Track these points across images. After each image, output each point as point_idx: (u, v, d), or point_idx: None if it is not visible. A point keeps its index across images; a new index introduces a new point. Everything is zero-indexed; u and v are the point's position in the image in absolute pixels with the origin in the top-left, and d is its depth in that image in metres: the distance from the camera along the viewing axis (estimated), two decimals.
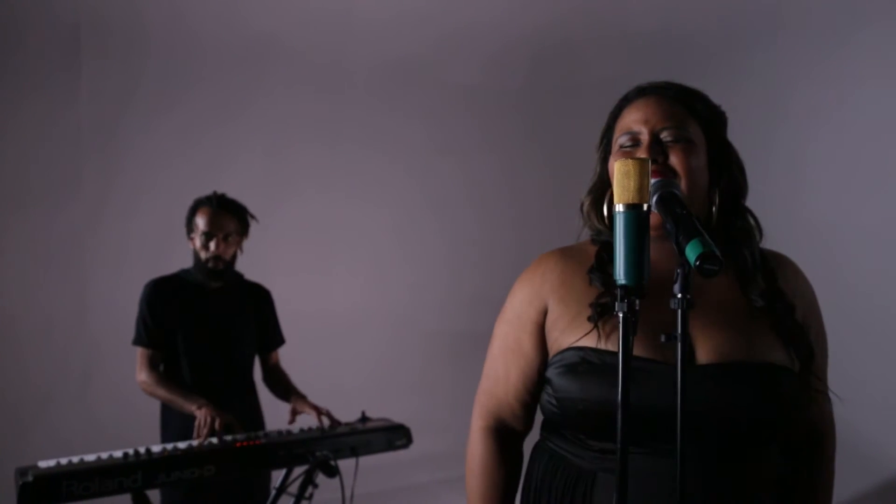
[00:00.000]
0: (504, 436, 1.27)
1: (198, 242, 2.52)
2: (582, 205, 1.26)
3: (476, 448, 1.27)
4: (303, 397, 2.60)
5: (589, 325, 1.11)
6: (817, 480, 1.23)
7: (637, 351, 1.06)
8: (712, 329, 1.05)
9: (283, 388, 2.70)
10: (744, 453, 1.08)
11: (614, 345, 1.06)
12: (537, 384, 1.22)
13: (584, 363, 1.09)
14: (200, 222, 2.51)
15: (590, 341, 1.10)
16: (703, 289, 1.08)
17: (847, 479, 3.25)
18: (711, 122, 1.18)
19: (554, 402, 1.14)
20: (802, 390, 1.12)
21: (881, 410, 3.42)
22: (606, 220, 1.21)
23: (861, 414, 3.57)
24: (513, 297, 1.24)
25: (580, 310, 1.14)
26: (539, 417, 1.27)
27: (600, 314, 1.10)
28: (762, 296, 1.12)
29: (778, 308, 1.11)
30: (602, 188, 1.23)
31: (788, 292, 1.15)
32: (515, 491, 1.27)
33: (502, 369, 1.24)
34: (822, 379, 1.21)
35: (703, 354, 1.06)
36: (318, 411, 2.47)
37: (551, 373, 1.14)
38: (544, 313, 1.18)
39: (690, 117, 1.15)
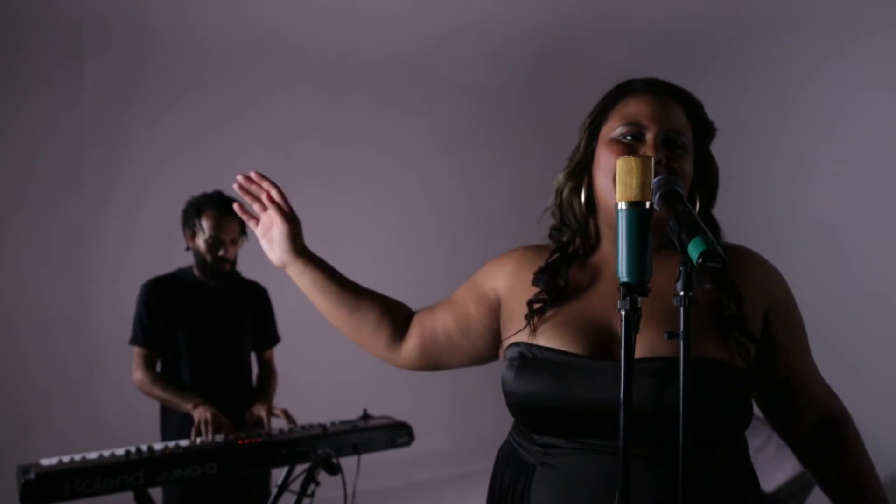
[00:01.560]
0: (399, 325, 1.35)
1: (203, 246, 2.51)
2: (560, 190, 1.23)
3: None
4: (264, 402, 2.59)
5: (524, 323, 1.16)
6: (853, 465, 1.19)
7: (553, 342, 1.11)
8: (648, 325, 1.01)
9: (262, 389, 2.71)
10: (670, 446, 1.00)
11: (544, 340, 1.12)
12: (456, 334, 1.30)
13: (520, 357, 1.13)
14: (206, 226, 2.49)
15: (523, 337, 1.15)
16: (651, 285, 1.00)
17: None
18: (703, 133, 1.20)
19: (504, 394, 1.17)
20: (745, 384, 1.08)
21: (884, 408, 3.42)
22: (584, 208, 1.20)
23: (864, 411, 3.56)
24: (480, 269, 1.33)
25: (523, 308, 1.18)
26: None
27: (535, 312, 1.14)
28: (711, 284, 1.10)
29: (722, 298, 1.10)
30: (584, 169, 1.21)
31: (745, 285, 1.13)
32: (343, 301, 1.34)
33: (441, 307, 1.34)
34: (810, 368, 1.21)
35: (635, 350, 1.03)
36: (269, 412, 2.46)
37: (502, 367, 1.19)
38: (495, 293, 1.26)
39: (688, 125, 1.17)
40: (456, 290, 1.34)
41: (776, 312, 1.17)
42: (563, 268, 1.18)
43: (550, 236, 1.26)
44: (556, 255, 1.21)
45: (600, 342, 1.09)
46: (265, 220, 1.40)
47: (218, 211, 2.50)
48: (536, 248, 1.28)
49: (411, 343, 1.33)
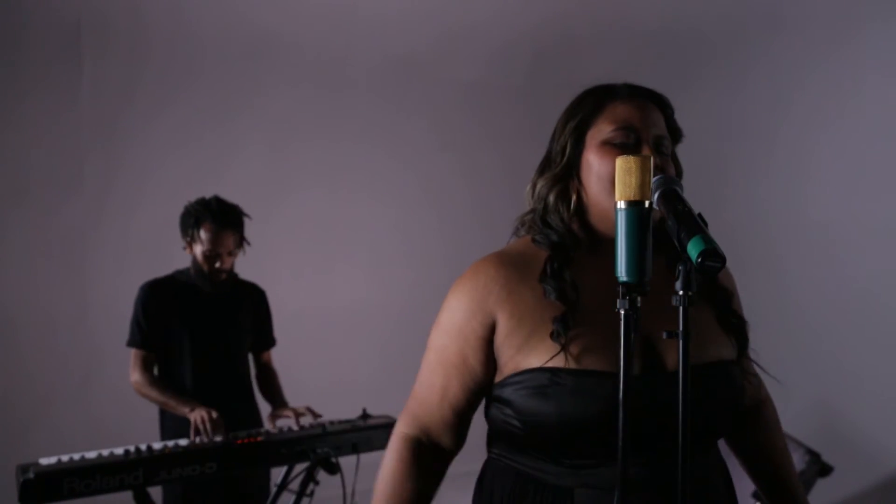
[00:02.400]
0: (425, 449, 1.21)
1: (199, 256, 2.51)
2: (544, 196, 1.18)
3: (391, 455, 1.21)
4: (284, 405, 2.62)
5: (550, 343, 1.05)
6: (770, 441, 1.31)
7: (598, 365, 1.04)
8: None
9: (271, 391, 2.73)
10: (703, 447, 1.11)
11: (586, 363, 1.03)
12: (477, 399, 1.18)
13: (555, 385, 1.03)
14: (204, 238, 2.49)
15: (557, 362, 1.04)
16: (658, 294, 1.02)
17: (848, 477, 3.25)
18: (674, 137, 1.21)
19: (518, 424, 1.08)
20: (744, 376, 1.16)
21: (882, 408, 3.42)
22: (572, 214, 1.16)
23: (862, 412, 3.57)
24: (451, 308, 1.16)
25: (535, 326, 1.08)
26: (476, 436, 1.25)
27: (564, 330, 1.05)
28: (704, 289, 1.16)
29: (718, 298, 1.17)
30: (568, 175, 1.17)
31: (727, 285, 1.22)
32: None
33: (441, 381, 1.17)
34: (749, 358, 1.27)
35: (672, 361, 1.05)
36: (296, 413, 2.48)
37: (511, 394, 1.08)
38: (491, 328, 1.12)
39: (665, 129, 1.19)
40: (442, 352, 1.18)
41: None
42: (566, 271, 1.11)
43: (534, 240, 1.19)
44: (552, 257, 1.14)
45: (646, 356, 1.07)
46: None
47: (215, 224, 2.49)
48: (512, 259, 1.17)
49: (449, 443, 1.22)
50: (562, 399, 1.03)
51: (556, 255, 1.13)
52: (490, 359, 1.13)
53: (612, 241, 1.11)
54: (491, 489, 1.16)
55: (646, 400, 1.01)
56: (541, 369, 1.05)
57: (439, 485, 1.24)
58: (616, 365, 0.99)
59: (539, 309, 1.09)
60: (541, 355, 1.06)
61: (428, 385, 1.20)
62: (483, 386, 1.16)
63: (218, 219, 2.50)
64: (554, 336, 1.05)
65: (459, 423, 1.21)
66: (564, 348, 1.04)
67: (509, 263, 1.15)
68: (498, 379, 1.13)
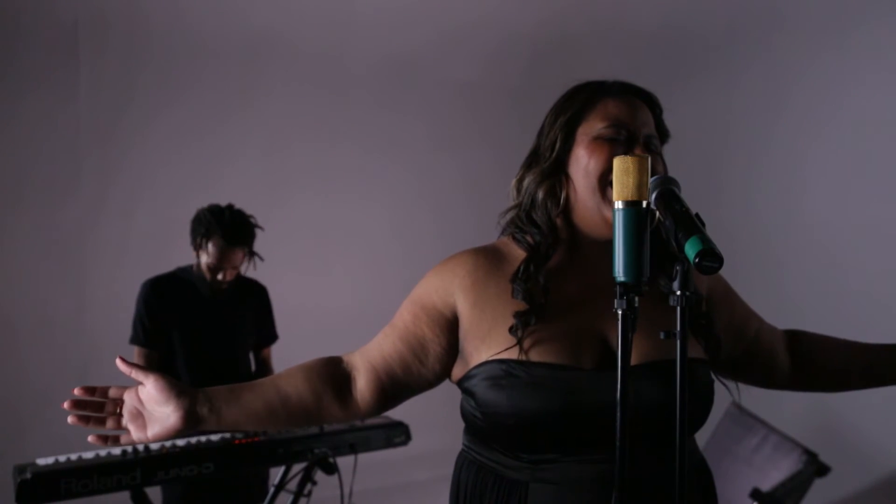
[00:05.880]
0: (335, 366, 1.23)
1: (204, 265, 2.50)
2: (532, 191, 1.17)
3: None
4: None
5: (507, 336, 1.08)
6: (824, 342, 1.39)
7: (550, 358, 1.06)
8: (637, 330, 1.00)
9: None
10: (671, 446, 1.08)
11: (536, 356, 1.06)
12: (413, 369, 1.19)
13: (509, 377, 1.06)
14: (211, 251, 2.47)
15: (512, 354, 1.07)
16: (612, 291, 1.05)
17: (845, 477, 3.26)
18: (662, 138, 1.21)
19: (479, 415, 1.10)
20: (711, 373, 1.17)
21: (880, 408, 3.42)
22: (559, 212, 1.15)
23: (860, 412, 3.58)
24: (420, 284, 1.22)
25: (496, 320, 1.11)
26: (455, 425, 1.25)
27: (523, 325, 1.07)
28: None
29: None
30: (557, 171, 1.16)
31: (700, 283, 1.21)
32: (287, 410, 1.19)
33: (387, 331, 1.23)
34: (757, 315, 1.33)
35: (632, 357, 1.04)
36: None
37: (474, 385, 1.11)
38: (451, 309, 1.16)
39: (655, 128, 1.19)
40: (399, 314, 1.22)
41: (714, 293, 1.25)
42: (542, 274, 1.12)
43: (515, 238, 1.20)
44: (529, 260, 1.14)
45: (601, 353, 1.08)
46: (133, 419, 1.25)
47: (224, 241, 2.46)
48: (487, 253, 1.20)
49: (365, 389, 1.21)
50: (515, 391, 1.05)
51: (533, 258, 1.14)
52: (446, 337, 1.17)
53: (593, 242, 1.14)
54: (458, 480, 1.19)
55: (605, 395, 1.00)
56: (497, 360, 1.08)
57: (320, 401, 1.19)
58: (569, 359, 1.05)
59: (503, 304, 1.12)
60: (499, 347, 1.09)
61: (374, 339, 1.24)
62: (426, 356, 1.18)
63: (228, 235, 2.47)
64: (512, 330, 1.08)
65: (382, 378, 1.20)
66: (520, 342, 1.07)
67: (483, 256, 1.19)
68: (465, 370, 1.15)
